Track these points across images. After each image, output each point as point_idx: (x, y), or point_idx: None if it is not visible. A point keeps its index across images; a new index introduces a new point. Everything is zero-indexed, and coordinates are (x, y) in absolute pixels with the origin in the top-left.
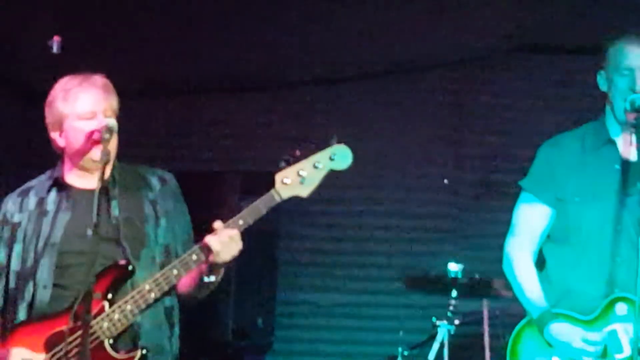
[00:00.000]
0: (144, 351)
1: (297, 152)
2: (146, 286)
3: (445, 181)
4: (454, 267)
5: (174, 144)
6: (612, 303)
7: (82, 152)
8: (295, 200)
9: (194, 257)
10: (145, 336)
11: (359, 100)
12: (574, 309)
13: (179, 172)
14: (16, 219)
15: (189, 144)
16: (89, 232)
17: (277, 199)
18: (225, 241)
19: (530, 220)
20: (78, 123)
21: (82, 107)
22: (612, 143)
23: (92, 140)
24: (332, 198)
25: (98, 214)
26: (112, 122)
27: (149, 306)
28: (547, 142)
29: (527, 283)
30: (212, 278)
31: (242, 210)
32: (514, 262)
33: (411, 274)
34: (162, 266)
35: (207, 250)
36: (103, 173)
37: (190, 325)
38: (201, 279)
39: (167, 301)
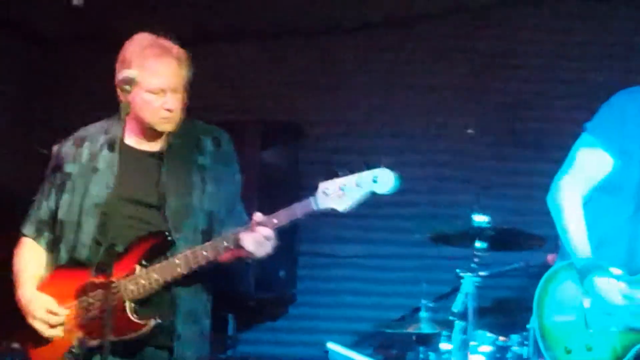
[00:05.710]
0: (159, 320)
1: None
2: (176, 260)
3: (469, 131)
4: (479, 219)
5: (193, 93)
6: None
7: (143, 120)
8: (315, 147)
9: (224, 244)
10: (183, 304)
11: (381, 49)
12: (609, 260)
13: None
14: (68, 169)
15: (209, 93)
16: (107, 189)
17: (314, 207)
18: (260, 241)
19: (590, 166)
20: (146, 95)
21: (155, 83)
22: None
23: (158, 116)
24: (353, 147)
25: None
26: (134, 74)
27: (174, 279)
28: (625, 91)
29: (574, 226)
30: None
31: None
32: (563, 200)
33: (436, 226)
34: (204, 233)
35: (239, 244)
36: (124, 124)
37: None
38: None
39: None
